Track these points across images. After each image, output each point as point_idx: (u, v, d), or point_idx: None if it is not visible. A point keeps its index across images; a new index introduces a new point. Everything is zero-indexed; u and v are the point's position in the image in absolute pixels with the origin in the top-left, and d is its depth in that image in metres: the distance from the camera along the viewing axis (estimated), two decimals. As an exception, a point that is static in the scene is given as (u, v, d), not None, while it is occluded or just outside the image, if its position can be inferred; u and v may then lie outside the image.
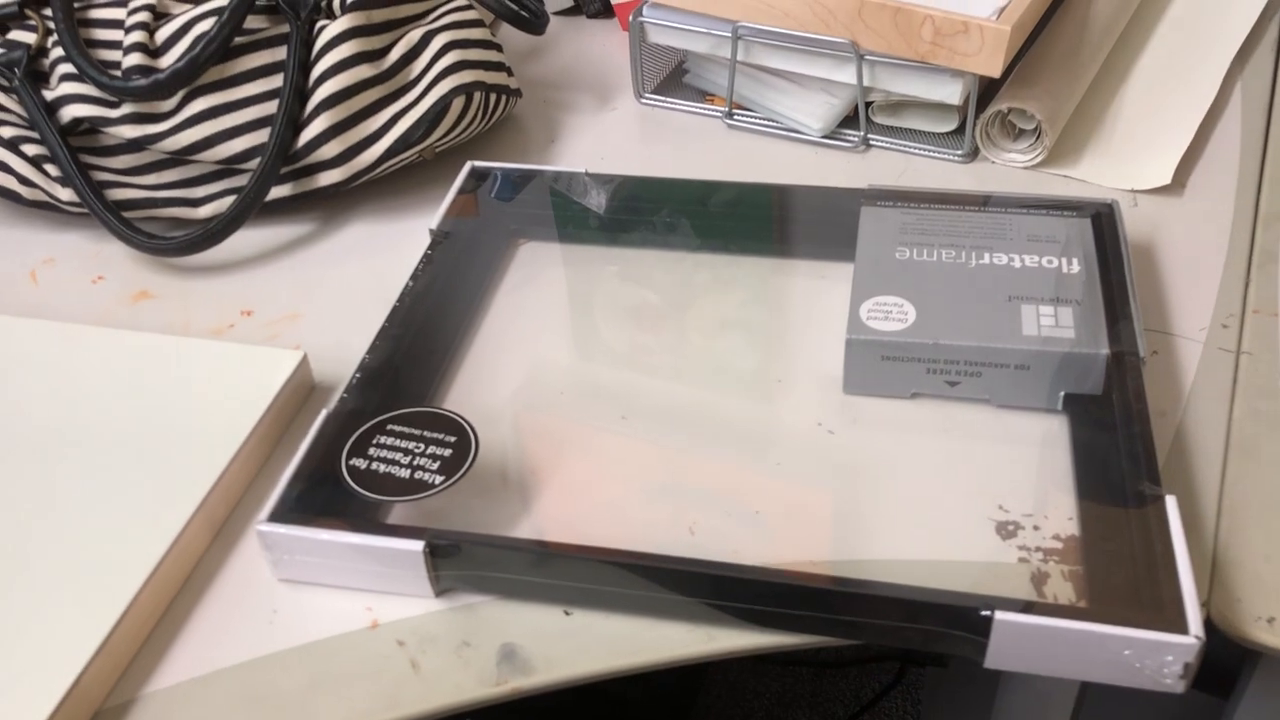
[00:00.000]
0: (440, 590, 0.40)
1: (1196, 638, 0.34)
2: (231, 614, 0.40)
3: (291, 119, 0.55)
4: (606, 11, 0.75)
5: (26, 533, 0.41)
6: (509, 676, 0.38)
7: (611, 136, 0.64)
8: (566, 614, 0.40)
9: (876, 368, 0.45)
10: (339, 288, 0.55)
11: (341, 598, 0.41)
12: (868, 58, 0.58)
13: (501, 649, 0.39)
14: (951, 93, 0.58)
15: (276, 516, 0.40)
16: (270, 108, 0.56)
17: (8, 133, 0.57)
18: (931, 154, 0.60)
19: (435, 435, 0.43)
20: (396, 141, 0.56)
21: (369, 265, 0.56)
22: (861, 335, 0.44)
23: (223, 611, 0.40)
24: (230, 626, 0.40)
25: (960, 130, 0.60)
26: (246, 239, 0.58)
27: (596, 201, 0.55)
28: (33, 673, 0.36)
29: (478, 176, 0.57)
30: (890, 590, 0.37)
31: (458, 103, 0.57)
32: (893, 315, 0.45)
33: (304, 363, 0.48)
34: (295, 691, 0.38)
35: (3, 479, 0.43)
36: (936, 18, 0.54)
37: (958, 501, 0.42)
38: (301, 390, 0.48)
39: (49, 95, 0.56)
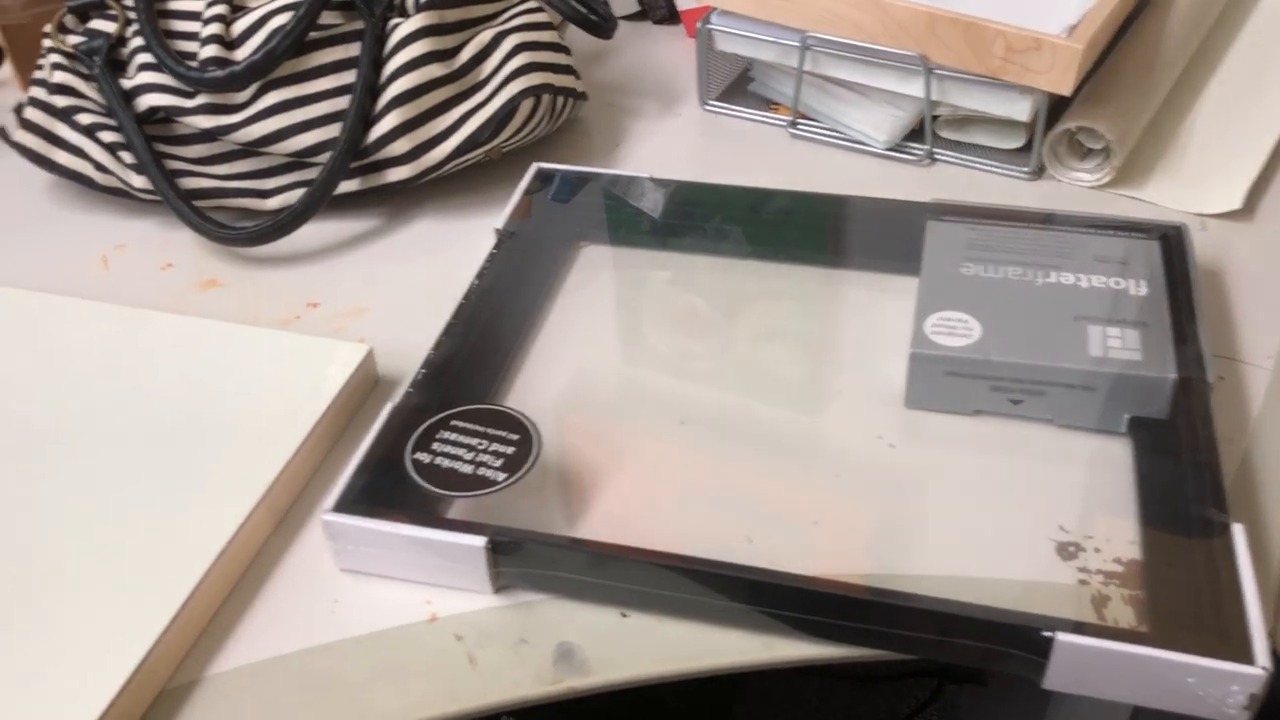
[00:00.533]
0: (499, 587, 0.41)
1: (1264, 669, 0.34)
2: (293, 602, 0.41)
3: (363, 115, 0.56)
4: (673, 18, 0.75)
5: (96, 516, 0.42)
6: (565, 675, 0.38)
7: (674, 142, 0.64)
8: (623, 616, 0.40)
9: (940, 383, 0.45)
10: (403, 283, 0.55)
11: (401, 590, 0.41)
12: (936, 72, 0.58)
13: (558, 648, 0.39)
14: (1020, 109, 0.57)
15: (342, 507, 0.41)
16: (342, 103, 0.56)
17: (85, 119, 0.58)
18: (996, 170, 0.60)
19: (498, 433, 0.43)
20: (465, 141, 0.57)
21: (433, 262, 0.56)
22: (926, 350, 0.44)
23: (285, 599, 0.41)
24: (292, 614, 0.41)
25: (1027, 147, 0.60)
26: (313, 232, 0.59)
27: (659, 207, 0.56)
28: (101, 652, 0.37)
29: (542, 178, 0.57)
30: (950, 607, 0.37)
31: (526, 104, 0.58)
32: (957, 331, 0.45)
33: (369, 356, 0.48)
34: (356, 681, 0.38)
35: (74, 462, 0.44)
36: (1009, 34, 0.54)
37: (1017, 520, 0.41)
38: (365, 383, 0.49)
39: (126, 84, 0.57)
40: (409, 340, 0.52)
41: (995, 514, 0.42)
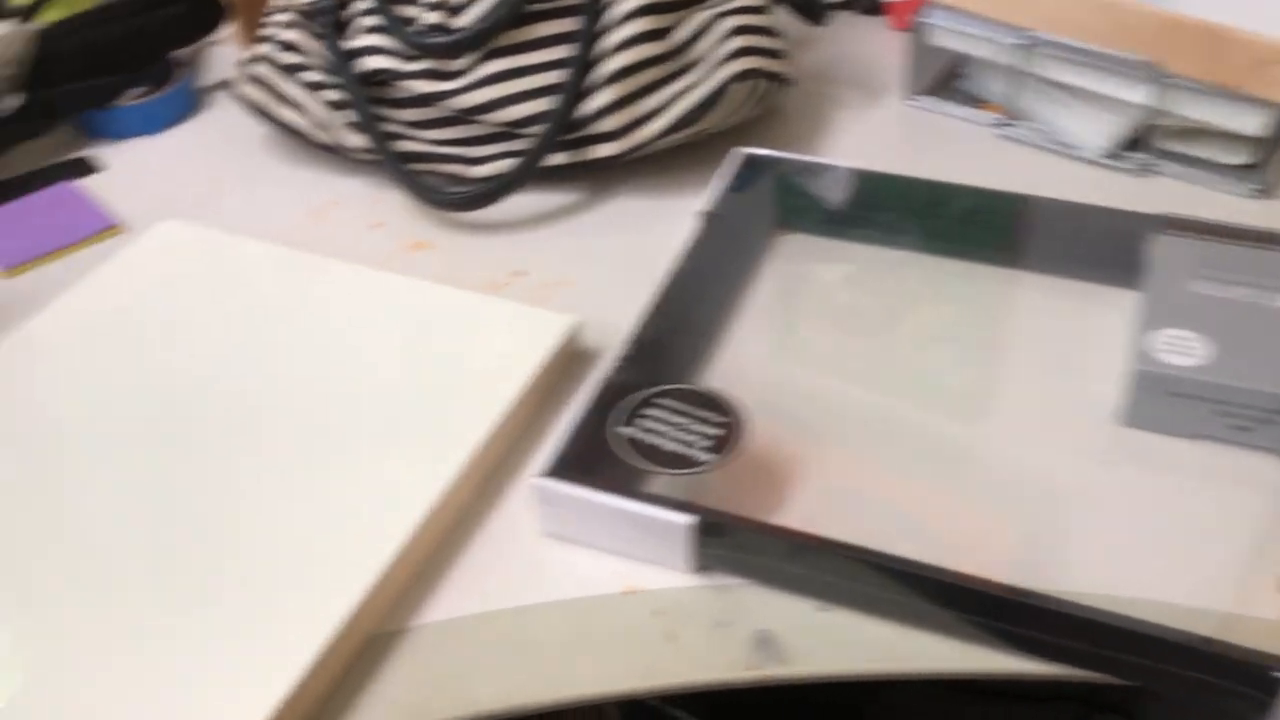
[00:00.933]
0: (699, 567, 0.41)
1: None
2: (495, 562, 0.42)
3: (577, 89, 0.56)
4: (875, 9, 0.74)
5: (313, 466, 0.43)
6: (763, 663, 0.38)
7: (875, 135, 0.63)
8: (821, 609, 0.39)
9: (1162, 403, 0.43)
10: (604, 258, 0.56)
11: (601, 560, 0.42)
12: (1165, 79, 0.55)
13: (757, 634, 0.39)
14: (1253, 124, 0.55)
15: (551, 472, 0.41)
16: (556, 76, 0.57)
17: (309, 77, 0.60)
18: (1218, 185, 0.57)
19: (705, 414, 0.43)
20: (675, 120, 0.57)
21: (633, 239, 0.57)
22: (1152, 368, 0.43)
23: (487, 558, 0.42)
24: (494, 574, 0.41)
25: (1254, 164, 0.57)
26: (518, 202, 0.60)
27: (861, 199, 0.55)
28: (317, 597, 0.39)
29: (746, 162, 0.57)
30: (1173, 634, 0.35)
31: (739, 88, 0.57)
32: (1185, 350, 0.43)
33: (576, 328, 0.49)
34: (555, 645, 0.39)
35: (294, 413, 0.46)
36: (1257, 44, 0.51)
37: (1236, 554, 0.40)
38: (569, 354, 0.49)
39: (347, 45, 0.59)
40: (607, 315, 0.52)
41: (1212, 544, 0.40)
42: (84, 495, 0.42)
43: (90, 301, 0.51)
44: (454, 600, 0.41)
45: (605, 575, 0.41)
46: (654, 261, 0.55)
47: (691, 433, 0.42)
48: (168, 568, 0.40)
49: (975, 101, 0.64)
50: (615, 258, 0.56)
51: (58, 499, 0.42)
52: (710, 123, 0.58)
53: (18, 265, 0.56)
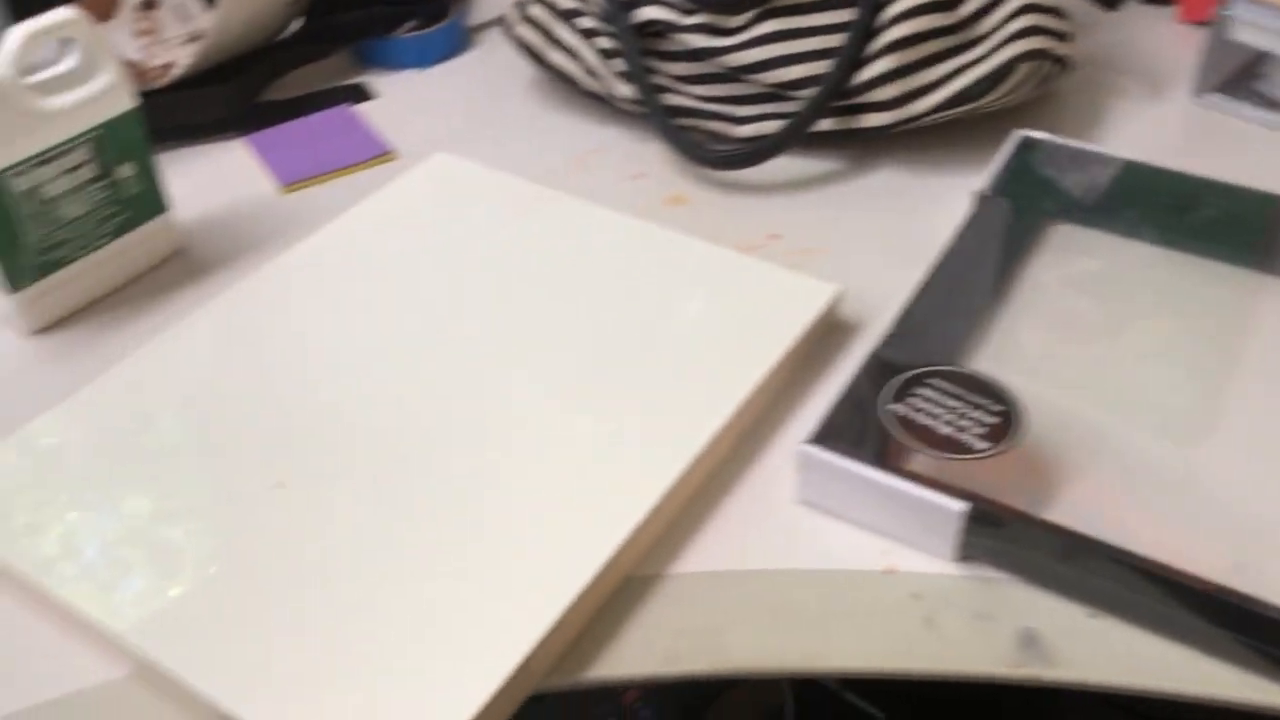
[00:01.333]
0: (962, 556, 0.40)
1: None
2: (749, 522, 0.42)
3: (855, 56, 0.55)
4: (1162, -3, 0.70)
5: (576, 409, 0.44)
6: (1028, 662, 0.37)
7: (1158, 130, 0.60)
8: (1092, 615, 0.38)
9: None
10: (861, 229, 0.55)
11: (858, 535, 0.41)
12: None
13: (1022, 632, 0.38)
14: None
15: (818, 440, 0.41)
16: (834, 40, 0.56)
17: (584, 23, 0.61)
18: None
19: (979, 400, 0.42)
20: (954, 96, 0.55)
21: (893, 213, 0.55)
22: None
23: (740, 518, 0.42)
24: (748, 533, 0.41)
25: None
26: (778, 165, 0.59)
27: (1142, 195, 0.52)
28: (581, 535, 0.39)
29: (1023, 145, 0.55)
30: None
31: (1025, 67, 0.55)
32: None
33: (837, 298, 0.48)
34: (811, 614, 0.38)
35: (558, 354, 0.46)
36: None
37: None
38: (827, 323, 0.49)
39: (623, -6, 0.59)
40: (862, 286, 0.51)
41: None
42: (340, 420, 0.44)
43: (364, 225, 0.53)
44: (708, 555, 0.40)
45: (865, 551, 0.40)
46: (913, 237, 0.54)
47: (967, 418, 0.41)
48: (441, 497, 0.41)
49: (1274, 104, 0.60)
50: (873, 230, 0.54)
51: (320, 419, 0.44)
52: (989, 101, 0.56)
53: (294, 182, 0.59)
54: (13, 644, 0.38)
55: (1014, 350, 0.46)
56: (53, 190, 0.48)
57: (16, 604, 0.40)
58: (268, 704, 0.34)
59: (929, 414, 0.41)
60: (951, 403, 0.42)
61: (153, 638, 0.36)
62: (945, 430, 0.41)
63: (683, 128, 0.59)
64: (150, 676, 0.37)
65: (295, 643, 0.36)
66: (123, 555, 0.39)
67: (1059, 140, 0.55)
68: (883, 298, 0.51)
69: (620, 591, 0.39)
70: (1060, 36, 0.57)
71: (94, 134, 0.49)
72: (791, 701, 0.91)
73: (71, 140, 0.48)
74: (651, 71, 0.59)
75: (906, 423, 0.41)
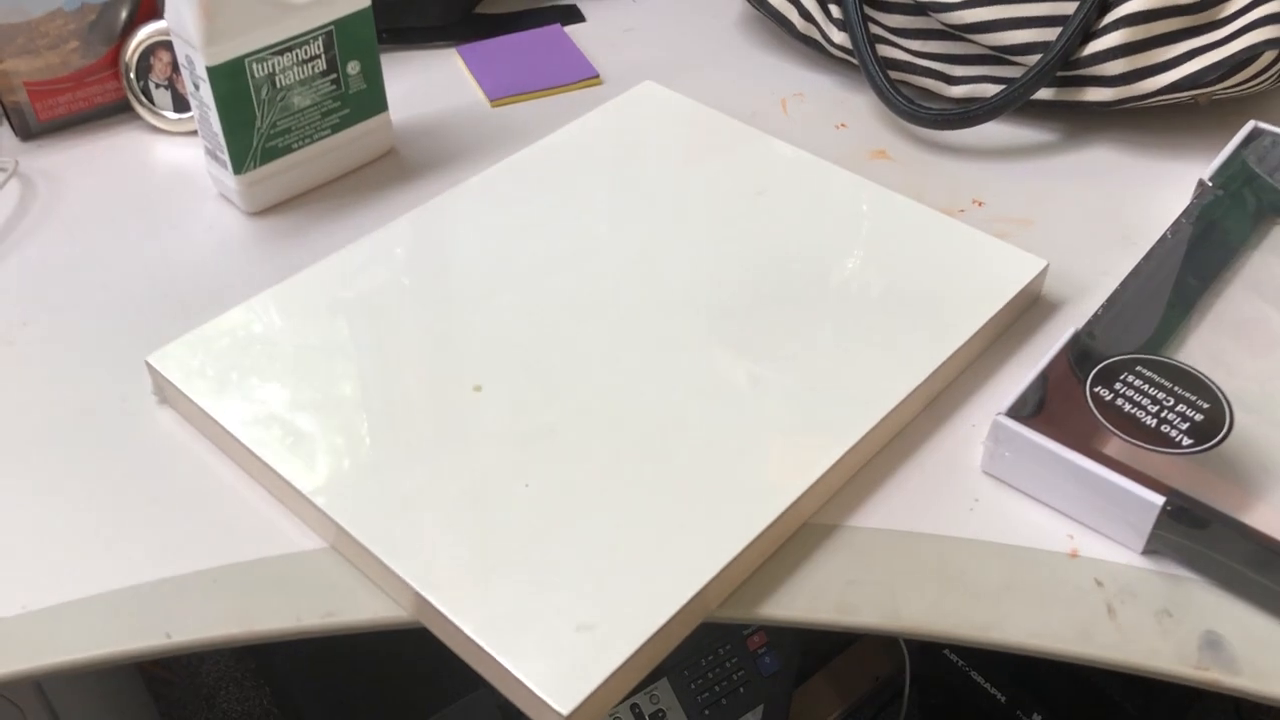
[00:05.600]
0: (1148, 549, 0.39)
1: None
2: (932, 486, 0.41)
3: (1086, 26, 0.53)
4: None
5: (769, 354, 0.44)
6: (1211, 665, 0.36)
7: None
8: (1283, 629, 0.37)
9: None
10: (1072, 207, 0.53)
11: (1043, 513, 0.40)
12: None
13: (1206, 635, 0.37)
14: None
15: (1015, 413, 0.40)
16: (1065, 8, 0.54)
17: (805, -35, 0.60)
18: None
19: (1186, 394, 0.41)
20: (1186, 78, 0.53)
21: (1107, 194, 0.54)
22: None
23: (923, 481, 0.42)
24: (930, 497, 0.41)
25: None
26: (987, 129, 0.57)
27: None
28: (763, 484, 0.39)
29: (1255, 137, 0.52)
30: None
31: (1268, 56, 0.52)
32: None
33: (1043, 273, 0.47)
34: (988, 587, 0.38)
35: (756, 295, 0.46)
36: None
37: None
38: (1028, 297, 0.48)
39: (848, -61, 0.58)
40: (1068, 264, 0.50)
41: None
42: (539, 334, 0.45)
43: (571, 146, 0.54)
44: (887, 512, 0.41)
45: (1048, 531, 0.40)
46: (1123, 219, 0.52)
47: (1173, 411, 0.40)
48: (634, 429, 0.42)
49: None
50: (1081, 207, 0.53)
51: (517, 331, 0.45)
52: (1223, 87, 0.54)
53: (502, 98, 0.60)
54: (224, 505, 0.41)
55: (1220, 348, 0.45)
56: (285, 80, 0.50)
57: (232, 469, 0.42)
58: (456, 591, 0.36)
59: (1134, 402, 0.40)
60: (1158, 393, 0.41)
61: (352, 512, 0.38)
62: (1149, 421, 0.40)
63: (894, 82, 0.58)
64: (347, 549, 0.39)
65: (488, 539, 0.37)
66: (330, 437, 0.41)
67: (1294, 136, 0.52)
68: (1085, 277, 0.50)
69: (797, 536, 0.40)
70: (1310, 26, 0.54)
71: (328, 29, 0.51)
72: (909, 668, 0.91)
73: (307, 34, 0.50)
74: (869, 21, 0.58)
75: (1111, 408, 0.40)
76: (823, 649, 0.95)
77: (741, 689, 0.81)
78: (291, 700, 0.85)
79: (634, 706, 0.80)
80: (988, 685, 0.85)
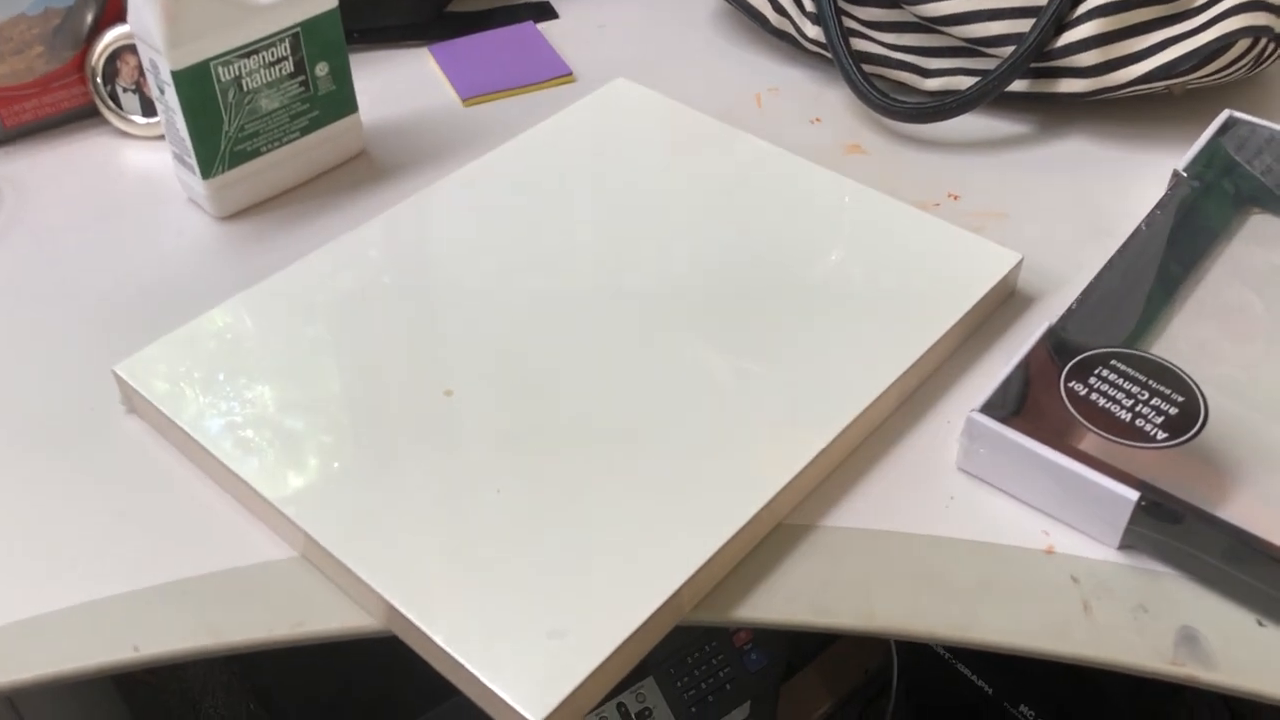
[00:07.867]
0: (1124, 545, 0.39)
1: None
2: (907, 484, 0.41)
3: (1059, 17, 0.53)
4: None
5: (741, 349, 0.44)
6: (1187, 660, 0.36)
7: (1376, 123, 0.56)
8: (1260, 624, 0.37)
9: None
10: (1044, 197, 0.53)
11: (1018, 509, 0.40)
12: None
13: (1181, 630, 0.37)
14: None
15: (990, 410, 0.40)
16: (1038, -1, 0.54)
17: (778, -41, 0.59)
18: None
19: (1160, 388, 0.40)
20: (1158, 68, 0.53)
21: (1082, 185, 0.53)
22: None
23: (899, 479, 0.41)
24: (905, 495, 0.41)
25: None
26: (962, 122, 0.57)
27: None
28: (737, 484, 0.39)
29: (1230, 126, 0.52)
30: None
31: (1241, 44, 0.52)
32: None
33: (1017, 267, 0.47)
34: (964, 584, 0.38)
35: (726, 292, 0.46)
36: None
37: None
38: (1004, 291, 0.47)
39: (821, -68, 0.58)
40: (1043, 257, 0.50)
41: None
42: (509, 339, 0.45)
43: (543, 145, 0.53)
44: (862, 511, 0.40)
45: (1024, 527, 0.40)
46: (1099, 211, 0.52)
47: (1147, 405, 0.40)
48: (605, 427, 0.41)
49: None
50: (1056, 199, 0.53)
51: (488, 335, 0.45)
52: (1197, 77, 0.53)
53: (474, 97, 0.59)
54: (193, 515, 0.40)
55: (1197, 340, 0.45)
56: (252, 83, 0.50)
57: (201, 478, 0.42)
58: (427, 600, 0.36)
59: (1109, 397, 0.40)
60: (1132, 387, 0.40)
61: (321, 522, 0.38)
62: (1124, 415, 0.40)
63: (869, 76, 0.58)
64: (317, 558, 0.38)
65: (460, 546, 0.37)
66: (299, 445, 0.40)
67: (1269, 125, 0.52)
68: (1061, 270, 0.49)
69: (772, 536, 0.40)
70: (1283, 14, 0.53)
71: (294, 30, 0.50)
72: (896, 662, 0.91)
73: (274, 35, 0.49)
74: (843, 14, 0.58)
75: (1086, 403, 0.40)
76: (810, 643, 0.94)
77: (728, 686, 0.81)
78: (277, 704, 0.85)
79: (620, 705, 0.79)
80: (974, 677, 0.85)
